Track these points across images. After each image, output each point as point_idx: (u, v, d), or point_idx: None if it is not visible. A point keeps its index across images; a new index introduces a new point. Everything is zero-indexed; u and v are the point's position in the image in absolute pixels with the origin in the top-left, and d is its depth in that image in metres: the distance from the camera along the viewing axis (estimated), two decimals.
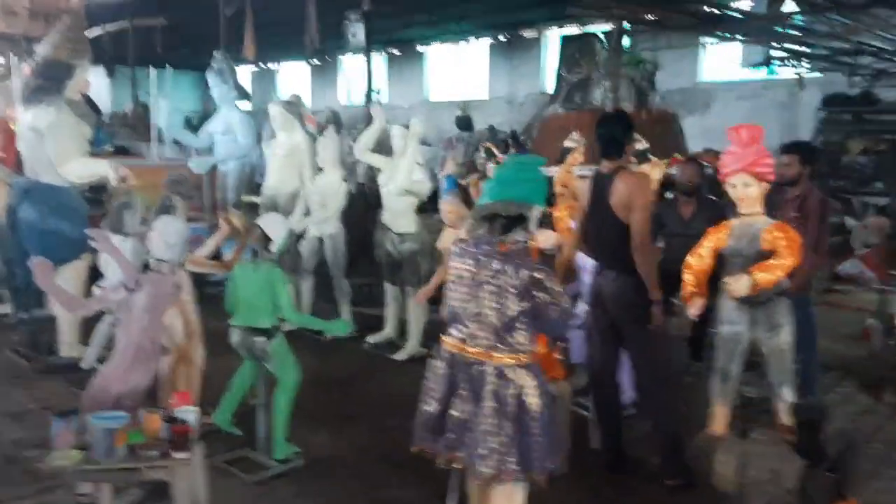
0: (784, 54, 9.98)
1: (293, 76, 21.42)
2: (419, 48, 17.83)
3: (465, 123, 12.67)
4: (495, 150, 8.21)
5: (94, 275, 5.24)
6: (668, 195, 5.56)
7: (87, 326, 5.27)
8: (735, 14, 8.41)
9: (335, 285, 6.47)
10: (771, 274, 3.45)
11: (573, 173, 5.69)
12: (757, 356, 3.85)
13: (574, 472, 3.19)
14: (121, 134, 10.86)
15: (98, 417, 2.85)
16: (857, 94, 10.92)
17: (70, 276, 5.26)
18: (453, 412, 2.74)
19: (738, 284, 3.47)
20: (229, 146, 8.00)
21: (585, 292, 4.26)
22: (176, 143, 9.32)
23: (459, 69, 17.45)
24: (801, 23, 8.23)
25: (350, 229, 6.67)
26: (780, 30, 8.53)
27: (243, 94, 8.56)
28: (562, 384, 3.73)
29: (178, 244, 3.89)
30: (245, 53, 10.34)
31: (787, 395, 3.70)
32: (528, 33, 15.81)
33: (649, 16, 8.52)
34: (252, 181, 8.22)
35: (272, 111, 6.72)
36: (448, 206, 5.40)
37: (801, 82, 10.86)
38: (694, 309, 3.71)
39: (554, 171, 5.35)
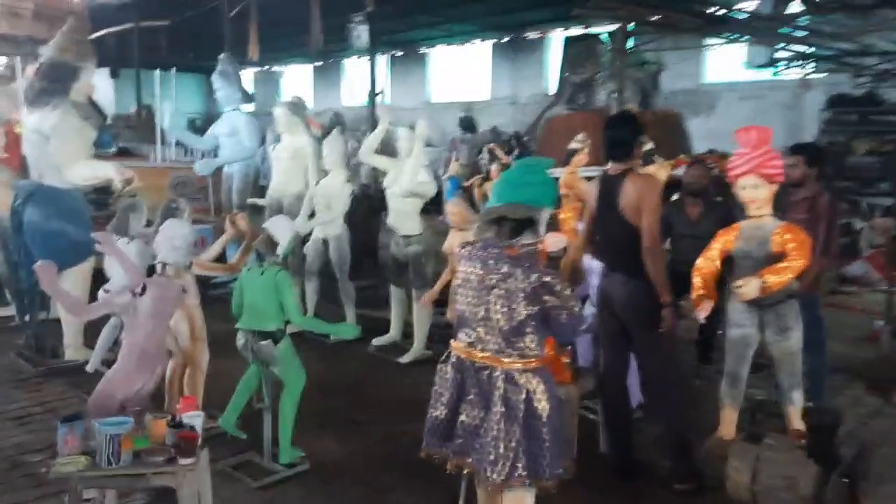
0: (789, 55, 9.95)
1: (297, 78, 21.44)
2: (422, 49, 17.85)
3: (468, 125, 12.65)
4: (498, 152, 8.20)
5: (99, 278, 5.20)
6: (674, 196, 5.54)
7: (92, 330, 5.24)
8: (740, 15, 8.39)
9: (340, 287, 6.45)
10: (781, 276, 3.42)
11: (578, 175, 5.68)
12: (763, 358, 3.82)
13: (582, 476, 3.16)
14: (125, 136, 10.85)
15: (104, 423, 2.83)
16: (861, 95, 10.90)
17: (75, 279, 5.26)
18: (462, 417, 2.72)
19: (748, 287, 3.44)
20: (234, 148, 7.99)
21: (593, 295, 4.23)
22: (177, 143, 9.31)
23: (462, 70, 17.45)
24: (806, 23, 8.22)
25: (354, 231, 6.65)
26: (785, 31, 8.51)
27: (246, 96, 8.56)
28: (569, 388, 3.69)
29: (184, 247, 3.88)
30: (249, 55, 10.35)
31: (797, 399, 3.67)
32: (531, 34, 15.81)
33: (654, 17, 8.50)
34: (257, 183, 8.22)
35: (277, 113, 6.72)
36: (453, 207, 5.39)
37: (806, 83, 10.84)
38: (702, 312, 3.69)
39: (559, 173, 5.33)
